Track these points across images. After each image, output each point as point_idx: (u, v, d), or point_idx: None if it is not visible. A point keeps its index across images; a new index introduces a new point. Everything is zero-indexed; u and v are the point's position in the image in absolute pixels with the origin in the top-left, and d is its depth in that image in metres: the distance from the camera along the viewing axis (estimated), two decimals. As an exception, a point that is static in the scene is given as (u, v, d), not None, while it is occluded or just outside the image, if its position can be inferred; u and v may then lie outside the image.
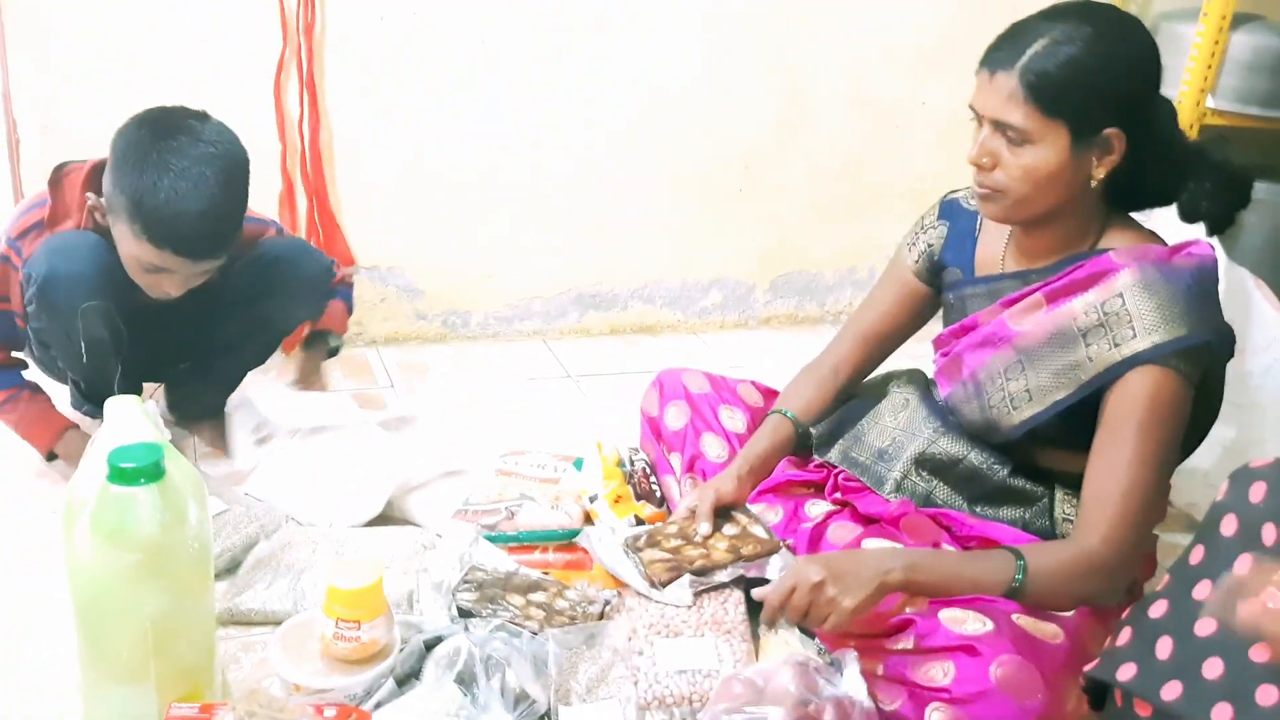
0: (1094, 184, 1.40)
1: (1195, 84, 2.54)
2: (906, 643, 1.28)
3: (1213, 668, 0.98)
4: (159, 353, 1.93)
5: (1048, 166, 1.37)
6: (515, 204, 2.60)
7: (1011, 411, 1.47)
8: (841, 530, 1.57)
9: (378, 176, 2.48)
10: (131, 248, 1.70)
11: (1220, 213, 1.45)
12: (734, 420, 1.76)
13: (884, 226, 2.85)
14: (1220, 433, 1.97)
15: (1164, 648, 1.04)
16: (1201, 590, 1.04)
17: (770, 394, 1.85)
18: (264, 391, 2.00)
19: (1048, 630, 1.29)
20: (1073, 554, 1.35)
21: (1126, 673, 1.05)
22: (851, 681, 1.29)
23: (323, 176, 2.41)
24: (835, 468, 1.66)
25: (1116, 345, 1.36)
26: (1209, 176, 1.44)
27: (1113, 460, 1.35)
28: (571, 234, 2.68)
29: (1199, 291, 1.37)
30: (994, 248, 1.58)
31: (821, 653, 1.41)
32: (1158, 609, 1.09)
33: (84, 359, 1.77)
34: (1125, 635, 1.11)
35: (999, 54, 1.37)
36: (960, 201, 1.65)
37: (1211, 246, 1.42)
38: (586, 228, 2.69)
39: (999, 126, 1.37)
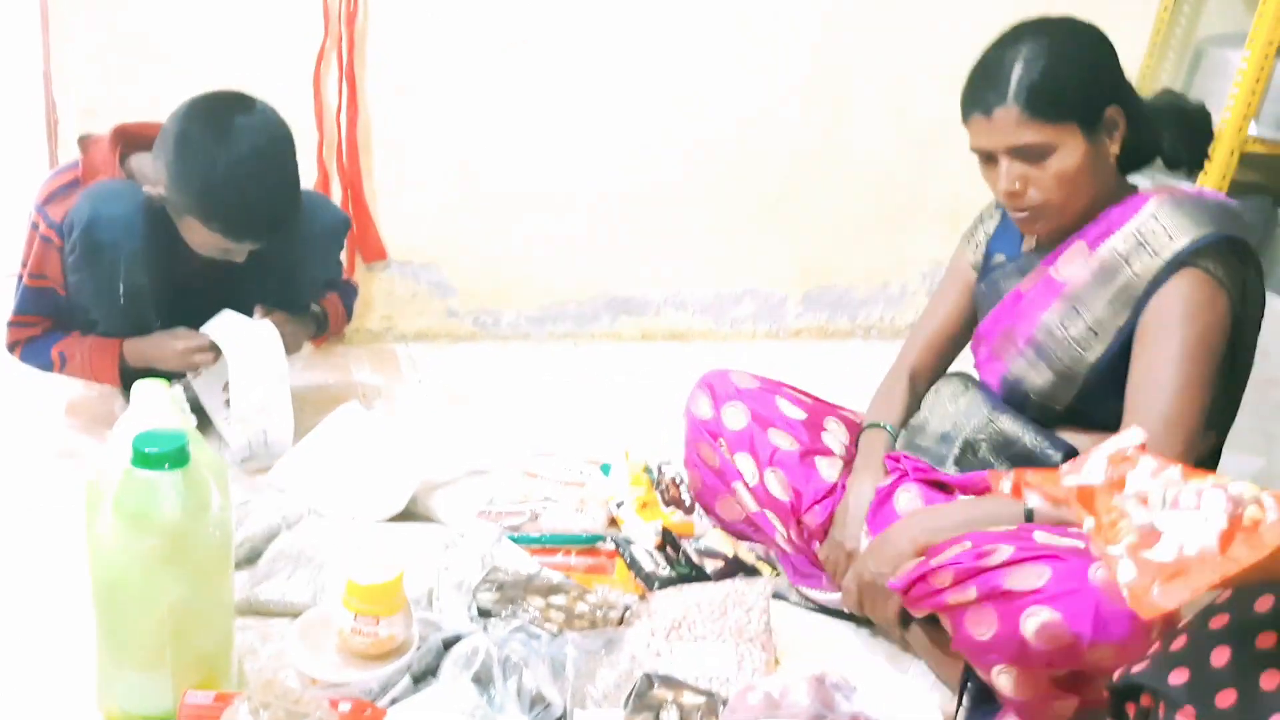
0: (1113, 160, 1.47)
1: (1239, 110, 2.50)
2: (1001, 556, 1.27)
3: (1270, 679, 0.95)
4: (182, 306, 1.94)
5: (1075, 164, 1.42)
6: (551, 205, 2.60)
7: (1083, 353, 1.48)
8: (908, 496, 1.56)
9: (414, 171, 2.47)
10: (203, 236, 1.79)
11: (1197, 153, 1.55)
12: (793, 410, 1.74)
13: (918, 244, 2.83)
14: (1251, 462, 1.94)
15: (1220, 656, 1.01)
16: (1264, 603, 1.01)
17: (813, 398, 1.83)
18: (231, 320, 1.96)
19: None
20: None
21: (1179, 678, 1.02)
22: (867, 698, 1.28)
23: (359, 168, 2.41)
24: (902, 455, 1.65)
25: (1157, 253, 1.41)
26: (1178, 123, 1.53)
27: (1152, 362, 1.40)
28: (606, 238, 2.67)
29: (1227, 211, 1.44)
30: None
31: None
32: (1219, 620, 1.06)
33: (122, 305, 1.81)
34: (1180, 641, 1.08)
35: (985, 95, 1.43)
36: None
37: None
38: (622, 232, 2.68)
39: (1016, 152, 1.43)
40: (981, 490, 1.52)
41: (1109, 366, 1.47)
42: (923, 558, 1.39)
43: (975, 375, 1.69)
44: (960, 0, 2.65)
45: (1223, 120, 2.54)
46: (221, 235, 1.78)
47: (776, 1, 2.56)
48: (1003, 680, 1.27)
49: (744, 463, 1.71)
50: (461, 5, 2.36)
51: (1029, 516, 1.38)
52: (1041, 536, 1.29)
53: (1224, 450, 1.66)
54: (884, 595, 1.45)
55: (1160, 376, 1.39)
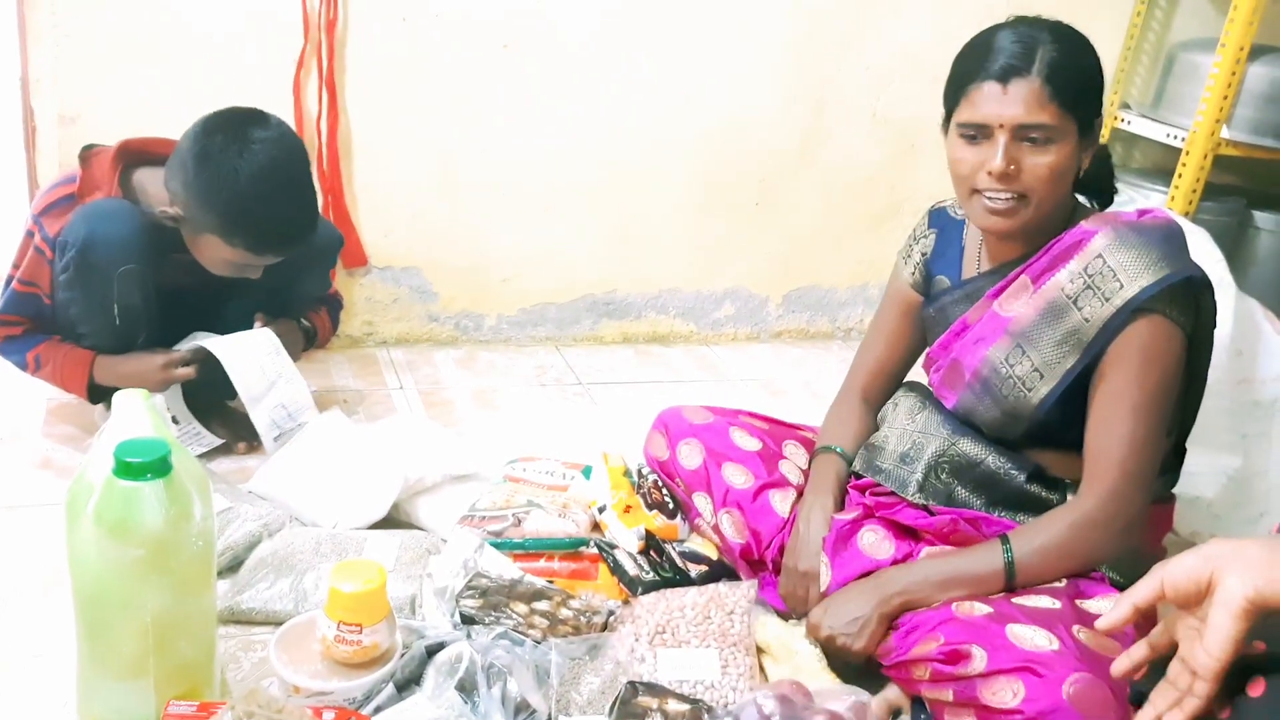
0: (1080, 174, 1.46)
1: (1211, 114, 2.53)
2: (976, 665, 1.27)
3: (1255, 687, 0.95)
4: (175, 325, 1.94)
5: (1065, 162, 1.41)
6: (531, 209, 2.60)
7: (1027, 393, 1.48)
8: (873, 536, 1.55)
9: (394, 177, 2.47)
10: (220, 253, 1.81)
11: (1107, 188, 1.58)
12: (748, 441, 1.75)
13: (897, 245, 2.84)
14: (1226, 461, 1.97)
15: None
16: None
17: (772, 422, 1.84)
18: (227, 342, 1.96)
19: (1111, 646, 1.28)
20: (1065, 523, 1.41)
21: None
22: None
23: (339, 175, 2.41)
24: (861, 477, 1.65)
25: (1108, 299, 1.40)
26: (1098, 153, 1.52)
27: (1109, 413, 1.40)
28: (587, 241, 2.68)
29: (1172, 242, 1.42)
30: (972, 253, 1.60)
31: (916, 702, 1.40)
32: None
33: (116, 325, 1.81)
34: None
35: (1004, 63, 1.39)
36: (948, 210, 1.68)
37: (1170, 214, 1.50)
38: (603, 235, 2.69)
39: (1022, 131, 1.39)
40: (948, 535, 1.51)
41: (1056, 404, 1.46)
42: (887, 628, 1.41)
43: (927, 391, 1.68)
44: (939, 4, 2.67)
45: (1195, 124, 2.58)
46: (245, 250, 1.79)
47: (755, 5, 2.57)
48: None
49: (701, 502, 1.73)
50: (441, 12, 2.36)
51: (1010, 571, 1.39)
52: (1017, 630, 1.28)
53: (1201, 451, 1.68)
54: (845, 654, 1.44)
55: (1120, 429, 1.39)
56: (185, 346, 1.92)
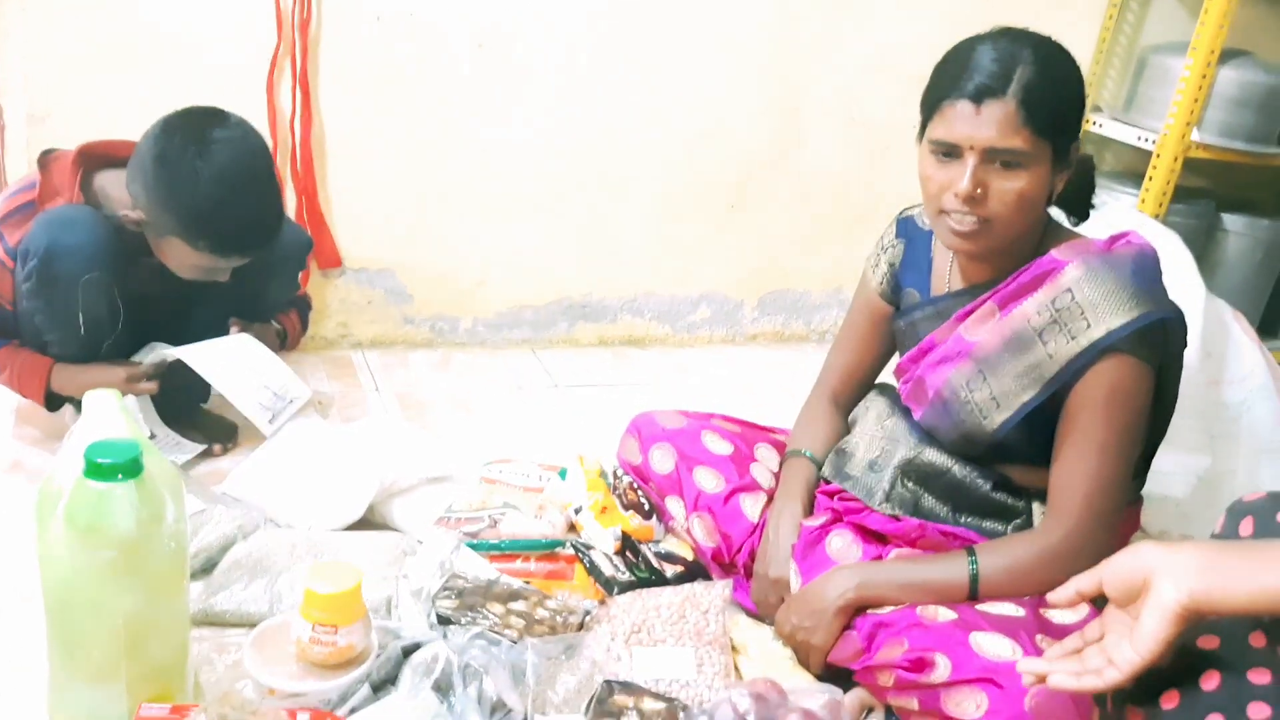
0: (1053, 199, 1.43)
1: (1181, 117, 2.56)
2: (939, 674, 1.27)
3: (1209, 680, 0.97)
4: (142, 332, 1.91)
5: (1035, 189, 1.37)
6: (508, 212, 2.60)
7: (983, 421, 1.48)
8: (840, 541, 1.56)
9: (369, 178, 2.46)
10: (186, 258, 1.77)
11: (1084, 204, 1.54)
12: (719, 444, 1.75)
13: (871, 248, 2.86)
14: (1195, 462, 1.99)
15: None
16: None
17: (744, 424, 1.84)
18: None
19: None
20: (1031, 550, 1.40)
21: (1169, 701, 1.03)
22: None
23: (313, 175, 2.40)
24: (829, 483, 1.65)
25: (1074, 338, 1.38)
26: (1080, 167, 1.49)
27: (1075, 450, 1.39)
28: (563, 244, 2.68)
29: (1143, 275, 1.39)
30: (942, 268, 1.58)
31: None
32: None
33: (81, 334, 1.77)
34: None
35: (978, 83, 1.34)
36: (915, 219, 1.66)
37: (1144, 237, 1.46)
38: (578, 239, 2.69)
39: (993, 154, 1.35)
40: (915, 540, 1.52)
41: (1011, 433, 1.46)
42: (848, 620, 1.41)
43: (896, 395, 1.68)
44: (913, 8, 2.69)
45: (1166, 126, 2.60)
46: (209, 254, 1.75)
47: (730, 9, 2.58)
48: None
49: (674, 506, 1.74)
50: (416, 12, 2.36)
51: (973, 585, 1.38)
52: (980, 638, 1.28)
53: (1170, 451, 1.69)
54: (806, 650, 1.46)
55: (1086, 467, 1.38)
56: (146, 358, 1.88)
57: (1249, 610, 0.91)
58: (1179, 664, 0.98)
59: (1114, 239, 1.44)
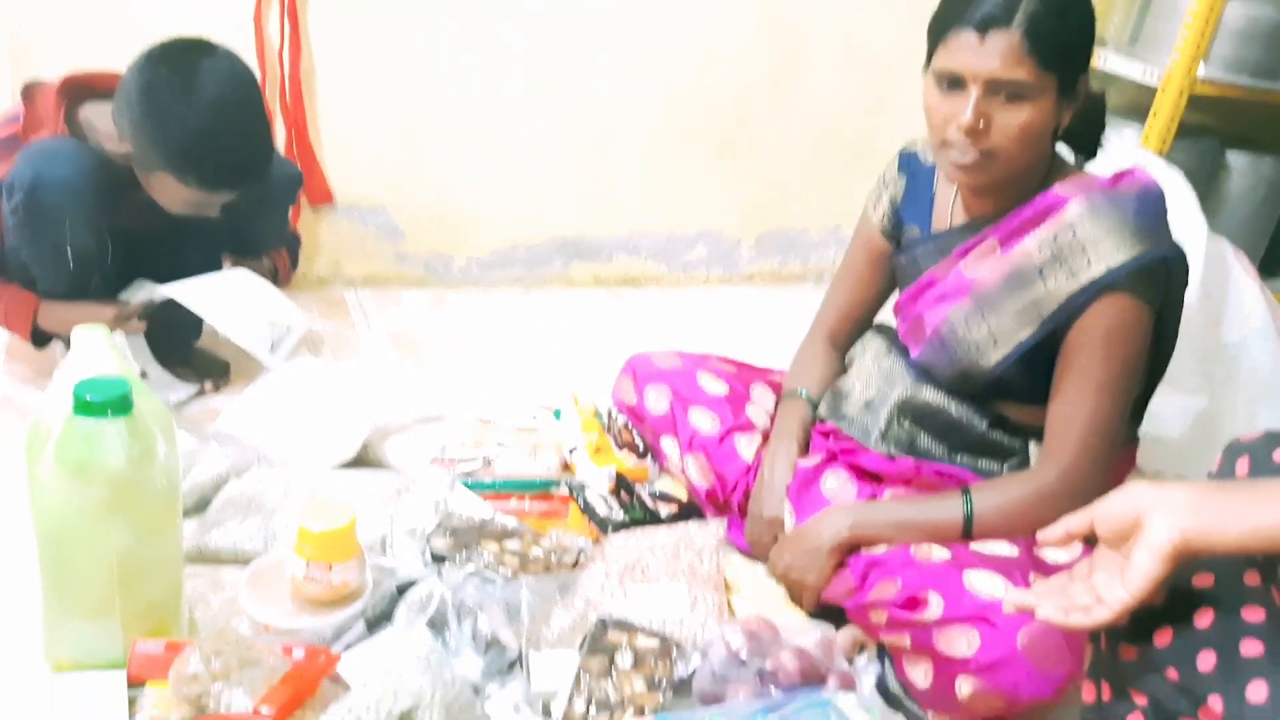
0: (1059, 134, 1.42)
1: (1188, 51, 2.51)
2: (932, 613, 1.28)
3: (1203, 617, 0.97)
4: (131, 269, 1.89)
5: (1039, 122, 1.35)
6: (503, 148, 2.56)
7: (980, 359, 1.47)
8: (835, 481, 1.56)
9: (361, 112, 2.42)
10: (175, 192, 1.74)
11: (1092, 142, 1.52)
12: (715, 384, 1.74)
13: (869, 186, 2.83)
14: (1192, 403, 1.98)
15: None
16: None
17: (740, 365, 1.83)
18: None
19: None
20: (1025, 489, 1.40)
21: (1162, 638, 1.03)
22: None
23: (302, 108, 2.36)
24: (825, 422, 1.65)
25: (1074, 275, 1.37)
26: (1090, 104, 1.47)
27: (1073, 389, 1.39)
28: (559, 181, 2.64)
29: (1146, 213, 1.38)
30: (944, 203, 1.57)
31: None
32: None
33: (69, 269, 1.74)
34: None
35: (984, 11, 1.32)
36: (918, 155, 1.64)
37: (1149, 175, 1.44)
38: (574, 176, 2.65)
39: (996, 86, 1.33)
40: (910, 479, 1.52)
41: (1015, 366, 1.45)
42: (841, 559, 1.42)
43: (893, 334, 1.67)
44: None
45: (1172, 62, 2.56)
46: (198, 188, 1.72)
47: (729, -61, 2.52)
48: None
49: (668, 445, 1.73)
50: (407, -60, 2.31)
51: (968, 524, 1.39)
52: (973, 576, 1.29)
53: (1167, 391, 1.69)
54: (799, 589, 1.46)
55: (1083, 407, 1.38)
56: (135, 296, 1.86)
57: (1241, 549, 0.91)
58: (1173, 602, 0.98)
59: (1119, 176, 1.42)
